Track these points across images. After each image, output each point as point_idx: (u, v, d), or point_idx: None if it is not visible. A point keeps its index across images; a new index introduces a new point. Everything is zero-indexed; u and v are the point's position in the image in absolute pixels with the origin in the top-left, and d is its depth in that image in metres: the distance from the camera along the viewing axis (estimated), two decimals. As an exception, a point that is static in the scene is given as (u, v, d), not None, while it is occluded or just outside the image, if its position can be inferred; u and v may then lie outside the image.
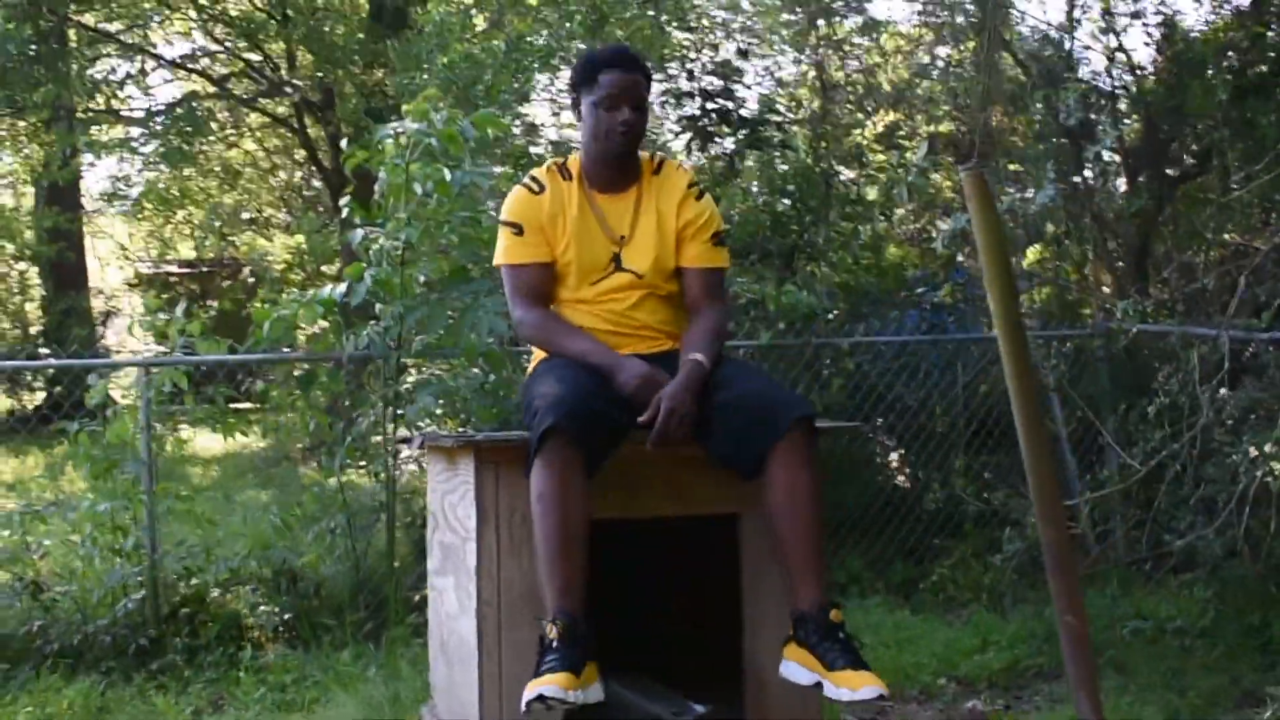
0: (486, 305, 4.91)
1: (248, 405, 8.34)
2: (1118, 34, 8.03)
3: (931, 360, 6.97)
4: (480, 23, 7.04)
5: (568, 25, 7.17)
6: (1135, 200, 7.42)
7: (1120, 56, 7.97)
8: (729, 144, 8.27)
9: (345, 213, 5.31)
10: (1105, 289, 7.89)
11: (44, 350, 10.41)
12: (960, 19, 10.08)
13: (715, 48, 11.75)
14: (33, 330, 17.46)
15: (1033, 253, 8.07)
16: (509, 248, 3.38)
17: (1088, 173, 7.52)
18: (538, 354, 3.46)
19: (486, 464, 3.06)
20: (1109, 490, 5.47)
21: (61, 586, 5.29)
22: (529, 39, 6.91)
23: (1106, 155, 7.52)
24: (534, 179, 3.43)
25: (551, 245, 3.37)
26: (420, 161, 4.93)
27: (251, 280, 19.15)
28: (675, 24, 10.39)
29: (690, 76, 8.51)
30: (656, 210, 3.40)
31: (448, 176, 4.78)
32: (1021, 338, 3.22)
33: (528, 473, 2.90)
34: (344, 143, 7.41)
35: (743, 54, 10.56)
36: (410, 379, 5.43)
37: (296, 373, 5.61)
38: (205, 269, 22.07)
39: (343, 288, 5.13)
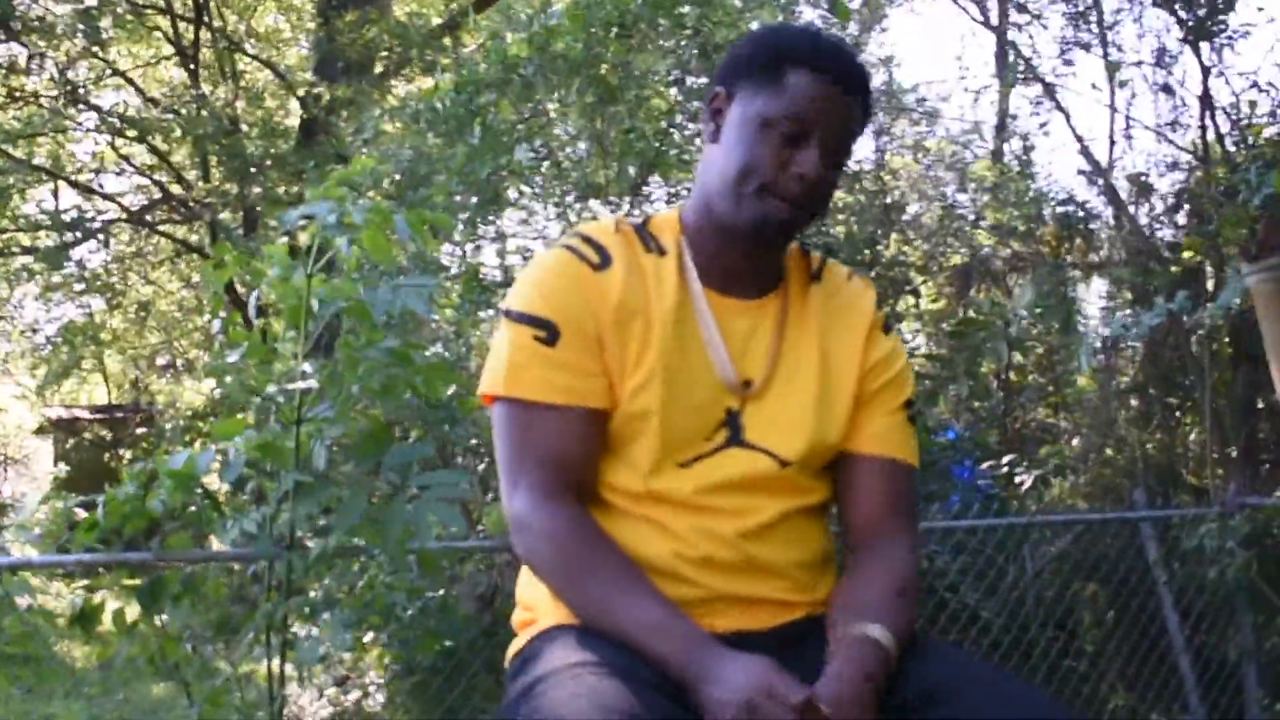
0: (431, 483, 3.21)
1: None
2: None
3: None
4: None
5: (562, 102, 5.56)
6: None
7: None
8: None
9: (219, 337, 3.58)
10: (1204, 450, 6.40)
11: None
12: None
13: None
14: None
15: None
16: (524, 366, 1.87)
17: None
18: (541, 606, 1.86)
19: None
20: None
21: None
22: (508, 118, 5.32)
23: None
24: (588, 241, 1.93)
25: (613, 376, 1.86)
26: (327, 274, 3.27)
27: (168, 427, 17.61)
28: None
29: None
30: (819, 344, 1.97)
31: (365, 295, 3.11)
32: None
33: None
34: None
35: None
36: (314, 590, 3.70)
37: (135, 581, 3.81)
38: (120, 414, 20.20)
39: (208, 454, 3.42)
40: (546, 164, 5.72)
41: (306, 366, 3.27)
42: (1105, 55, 7.96)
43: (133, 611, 3.61)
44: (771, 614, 1.84)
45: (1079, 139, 7.45)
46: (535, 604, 1.90)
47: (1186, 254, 6.74)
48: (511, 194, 5.94)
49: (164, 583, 3.68)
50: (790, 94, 1.83)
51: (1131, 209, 7.56)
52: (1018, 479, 5.05)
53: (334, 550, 3.43)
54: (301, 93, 11.69)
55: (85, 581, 4.03)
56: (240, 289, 12.91)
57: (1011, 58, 9.65)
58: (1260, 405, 6.36)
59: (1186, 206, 7.12)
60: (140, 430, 18.71)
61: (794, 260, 2.03)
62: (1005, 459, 5.35)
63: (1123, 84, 7.47)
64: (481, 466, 4.82)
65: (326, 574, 3.57)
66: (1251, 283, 2.10)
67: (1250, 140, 6.81)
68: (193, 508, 3.57)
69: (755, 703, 1.54)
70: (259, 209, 11.41)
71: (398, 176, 5.25)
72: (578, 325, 1.85)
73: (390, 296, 3.28)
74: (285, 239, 3.25)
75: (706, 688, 1.60)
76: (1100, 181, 7.32)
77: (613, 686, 1.54)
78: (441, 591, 4.01)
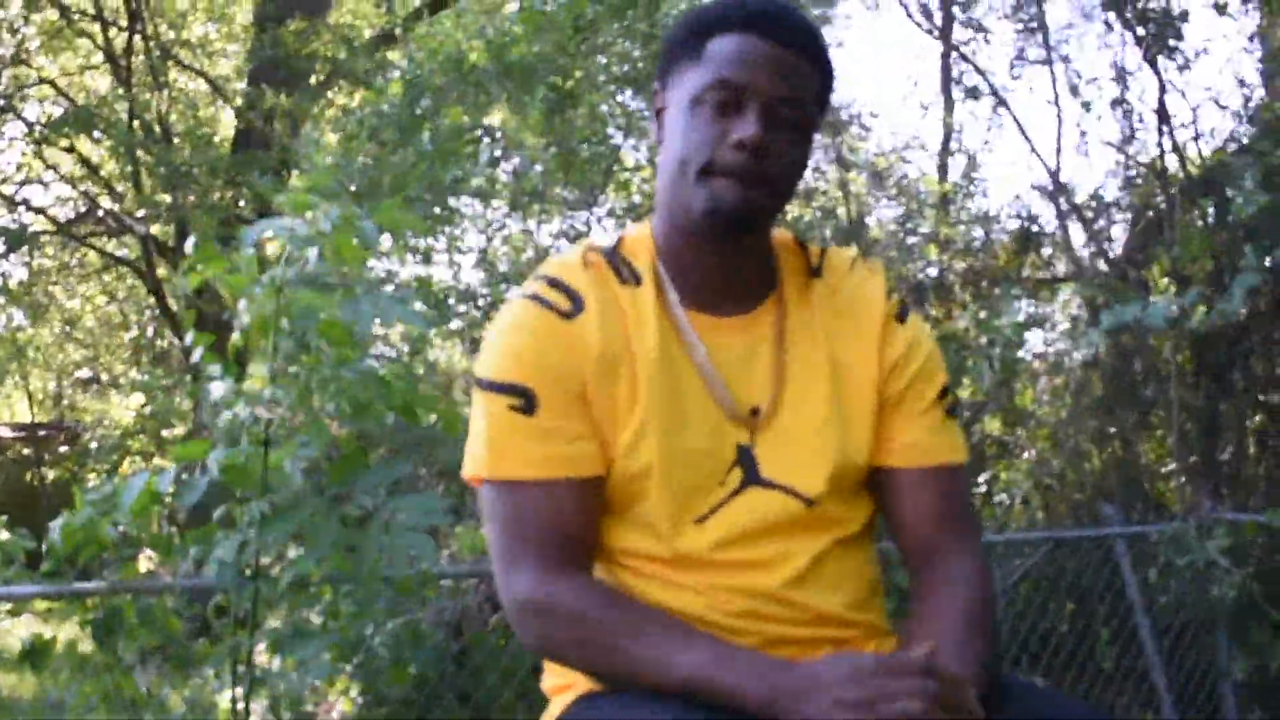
0: (404, 508, 3.04)
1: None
2: None
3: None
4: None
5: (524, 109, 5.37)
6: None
7: None
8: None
9: (196, 356, 3.37)
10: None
11: None
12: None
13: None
14: None
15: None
16: (504, 442, 1.65)
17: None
18: (561, 685, 1.70)
19: None
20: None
21: None
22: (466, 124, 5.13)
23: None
24: (555, 285, 1.69)
25: (604, 432, 1.65)
26: (298, 288, 3.08)
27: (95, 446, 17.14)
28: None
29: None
30: (828, 351, 1.72)
31: (352, 306, 2.92)
32: None
33: None
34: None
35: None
36: (276, 622, 3.50)
37: (91, 615, 3.58)
38: (42, 432, 19.66)
39: (166, 477, 3.22)
40: (500, 172, 5.55)
41: (272, 387, 3.08)
42: (1052, 69, 7.94)
43: (86, 645, 3.40)
44: (831, 651, 1.67)
45: (1039, 156, 7.41)
46: (556, 682, 1.72)
47: (1147, 270, 6.72)
48: (464, 204, 5.78)
49: (119, 614, 3.48)
50: (714, 60, 1.63)
51: (1085, 225, 7.53)
52: (996, 499, 4.94)
53: (304, 579, 3.24)
54: (238, 102, 11.43)
55: (32, 614, 3.80)
56: (172, 301, 12.65)
57: (958, 72, 9.63)
58: (1222, 419, 6.34)
59: (1143, 223, 7.10)
60: (64, 449, 18.27)
61: (788, 256, 1.79)
62: (980, 478, 5.24)
63: (1087, 105, 7.43)
64: (451, 487, 4.65)
65: (298, 604, 3.37)
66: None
67: (1205, 158, 6.79)
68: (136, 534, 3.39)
69: (871, 688, 1.37)
70: (189, 222, 11.15)
71: (353, 187, 5.05)
72: (556, 386, 1.64)
73: (361, 308, 3.11)
74: (253, 250, 3.05)
75: (803, 701, 1.40)
76: (1060, 198, 7.28)
77: None
78: (408, 619, 3.82)
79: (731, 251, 1.70)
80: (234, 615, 3.30)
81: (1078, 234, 7.25)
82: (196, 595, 3.53)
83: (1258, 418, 6.48)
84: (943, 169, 10.27)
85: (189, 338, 3.26)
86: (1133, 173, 7.09)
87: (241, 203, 10.16)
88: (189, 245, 3.05)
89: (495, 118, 5.51)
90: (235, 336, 3.24)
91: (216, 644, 3.40)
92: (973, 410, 6.92)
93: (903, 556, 1.75)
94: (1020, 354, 5.89)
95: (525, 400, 1.63)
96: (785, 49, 1.63)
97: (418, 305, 4.94)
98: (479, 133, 5.28)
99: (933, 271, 7.62)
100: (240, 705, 3.27)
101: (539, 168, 5.68)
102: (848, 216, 7.88)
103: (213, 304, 6.85)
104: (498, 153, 5.23)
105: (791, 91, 1.63)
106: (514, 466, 1.63)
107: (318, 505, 3.11)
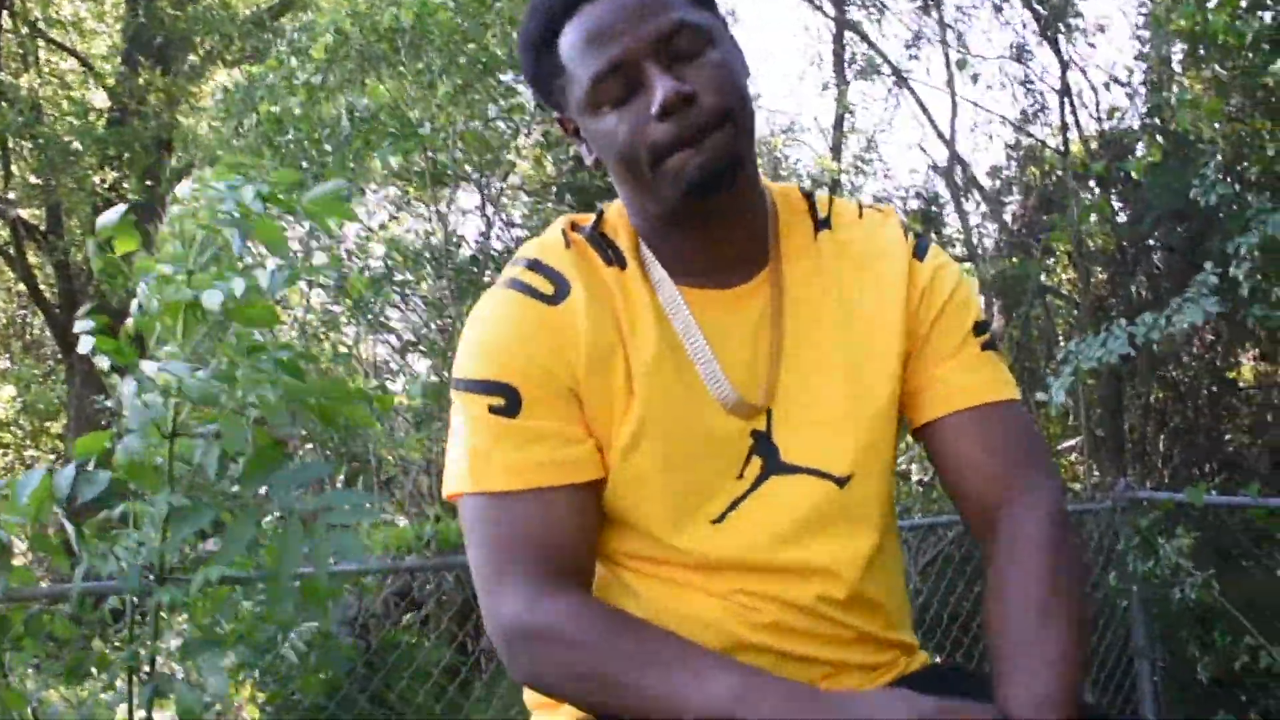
0: (335, 503, 2.83)
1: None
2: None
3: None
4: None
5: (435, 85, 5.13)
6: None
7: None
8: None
9: (87, 346, 3.12)
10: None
11: None
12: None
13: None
14: None
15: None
16: (486, 450, 1.45)
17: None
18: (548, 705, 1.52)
19: None
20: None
21: None
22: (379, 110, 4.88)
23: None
24: (536, 267, 1.50)
25: (599, 431, 1.47)
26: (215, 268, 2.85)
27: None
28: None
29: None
30: (843, 311, 1.53)
31: (263, 280, 2.71)
32: None
33: None
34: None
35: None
36: (179, 627, 3.28)
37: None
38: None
39: (66, 473, 2.99)
40: (415, 144, 5.33)
41: (184, 375, 2.87)
42: (946, 50, 7.94)
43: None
44: (862, 677, 1.51)
45: (939, 133, 7.39)
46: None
47: (1049, 244, 6.73)
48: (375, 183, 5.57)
49: (5, 623, 3.24)
50: (575, 60, 1.44)
51: (985, 200, 7.54)
52: (914, 478, 4.88)
53: (216, 581, 3.02)
54: (111, 82, 11.03)
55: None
56: (45, 288, 12.18)
57: (853, 52, 9.61)
58: (1126, 401, 6.37)
59: (1034, 197, 7.13)
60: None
61: (790, 209, 1.59)
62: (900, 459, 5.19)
63: (974, 79, 7.43)
64: (372, 481, 4.46)
65: (206, 609, 3.16)
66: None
67: (1108, 133, 6.83)
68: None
69: None
70: (63, 205, 10.74)
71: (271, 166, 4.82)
72: (544, 381, 1.45)
73: (274, 281, 2.91)
74: (167, 227, 2.83)
75: None
76: (959, 174, 7.27)
77: None
78: (316, 624, 3.64)
79: (718, 216, 1.50)
80: (133, 620, 3.10)
81: (976, 216, 7.26)
82: (95, 599, 3.32)
83: (1158, 394, 6.53)
84: (836, 150, 10.26)
85: (80, 324, 3.01)
86: (1032, 150, 7.10)
87: (126, 185, 9.77)
88: (103, 219, 2.79)
89: (408, 90, 5.28)
90: (129, 322, 3.03)
91: (115, 652, 3.19)
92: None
93: (963, 517, 1.54)
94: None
95: (507, 400, 1.45)
96: None
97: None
98: (394, 106, 5.05)
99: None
100: (140, 716, 3.07)
101: (452, 142, 5.50)
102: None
103: (91, 288, 6.55)
104: (423, 129, 4.99)
105: (666, 20, 1.41)
106: (498, 477, 1.44)
107: (233, 502, 2.91)
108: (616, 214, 1.57)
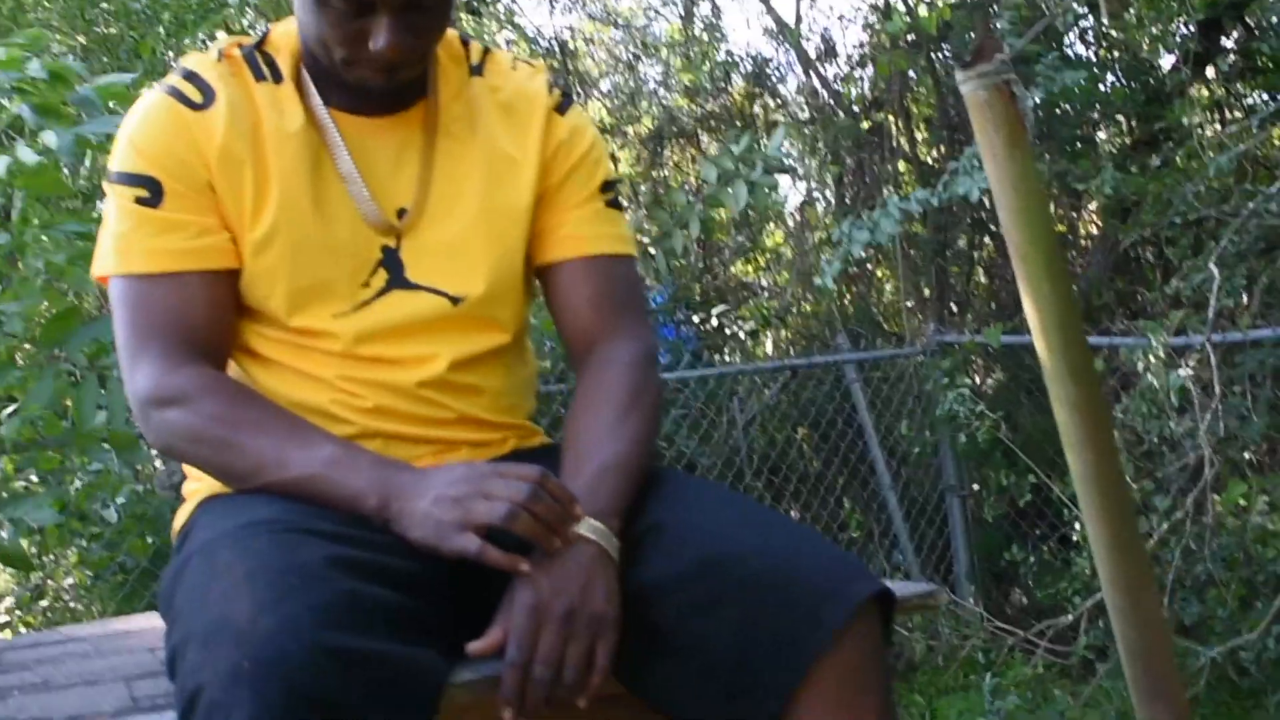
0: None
1: None
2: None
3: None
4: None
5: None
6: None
7: None
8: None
9: None
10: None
11: None
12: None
13: None
14: None
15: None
16: (129, 236, 1.59)
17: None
18: (197, 489, 1.63)
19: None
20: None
21: None
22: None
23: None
24: (190, 77, 1.62)
25: (233, 228, 1.60)
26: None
27: None
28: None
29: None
30: (485, 151, 1.68)
31: (53, 140, 2.78)
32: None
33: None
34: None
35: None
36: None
37: None
38: None
39: None
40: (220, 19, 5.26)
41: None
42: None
43: None
44: (471, 453, 1.65)
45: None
46: (192, 490, 1.68)
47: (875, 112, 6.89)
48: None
49: None
50: None
51: (818, 66, 7.66)
52: (728, 330, 5.07)
53: (16, 442, 3.13)
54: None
55: None
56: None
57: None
58: (949, 250, 6.59)
59: (870, 62, 7.24)
60: None
61: (447, 54, 1.71)
62: (715, 310, 5.38)
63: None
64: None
65: (15, 465, 3.26)
66: (966, 91, 2.02)
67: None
68: None
69: (473, 488, 1.37)
70: None
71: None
72: (183, 177, 1.57)
73: (65, 144, 2.97)
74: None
75: (407, 499, 1.40)
76: (786, 41, 7.38)
77: (290, 537, 1.34)
78: (138, 487, 3.75)
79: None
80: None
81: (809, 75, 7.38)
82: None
83: (987, 245, 6.71)
84: (687, 16, 10.31)
85: None
86: (873, 20, 7.21)
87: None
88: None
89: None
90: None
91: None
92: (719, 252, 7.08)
93: (567, 352, 1.73)
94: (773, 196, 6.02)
95: (150, 191, 1.57)
96: None
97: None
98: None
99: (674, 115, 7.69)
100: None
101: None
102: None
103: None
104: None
105: None
106: (140, 260, 1.58)
107: (31, 361, 3.01)
108: (283, 35, 1.67)
